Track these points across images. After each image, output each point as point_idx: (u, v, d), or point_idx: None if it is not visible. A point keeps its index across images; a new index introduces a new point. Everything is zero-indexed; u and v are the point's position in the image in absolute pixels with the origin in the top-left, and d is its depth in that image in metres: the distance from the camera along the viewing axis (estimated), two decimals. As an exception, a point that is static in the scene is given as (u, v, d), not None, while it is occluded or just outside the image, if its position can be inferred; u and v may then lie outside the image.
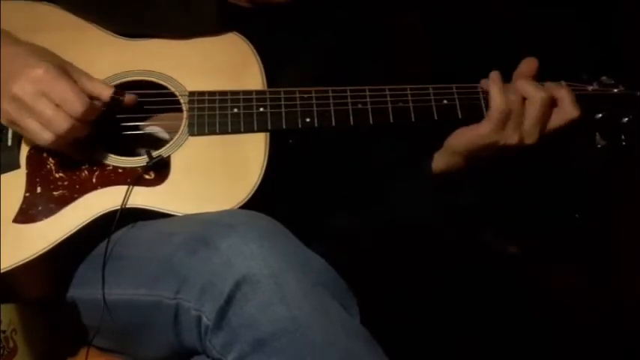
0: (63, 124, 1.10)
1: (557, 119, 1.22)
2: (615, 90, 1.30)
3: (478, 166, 1.28)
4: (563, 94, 1.22)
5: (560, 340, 1.79)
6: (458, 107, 1.24)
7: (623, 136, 1.28)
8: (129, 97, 1.18)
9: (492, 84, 1.23)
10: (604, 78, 1.31)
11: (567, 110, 1.22)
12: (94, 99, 1.14)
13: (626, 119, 1.28)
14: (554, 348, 1.78)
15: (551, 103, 1.22)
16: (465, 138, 1.24)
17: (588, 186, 1.82)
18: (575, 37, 1.72)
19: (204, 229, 1.07)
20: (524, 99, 1.21)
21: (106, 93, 1.15)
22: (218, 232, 1.05)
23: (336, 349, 0.97)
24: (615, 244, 1.90)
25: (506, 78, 1.26)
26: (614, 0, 1.81)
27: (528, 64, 1.26)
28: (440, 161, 1.29)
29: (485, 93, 1.25)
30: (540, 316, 1.80)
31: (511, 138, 1.21)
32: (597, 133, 1.28)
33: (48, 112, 1.10)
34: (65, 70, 1.13)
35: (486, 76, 1.26)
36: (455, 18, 1.79)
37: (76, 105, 1.10)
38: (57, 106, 1.10)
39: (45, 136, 1.11)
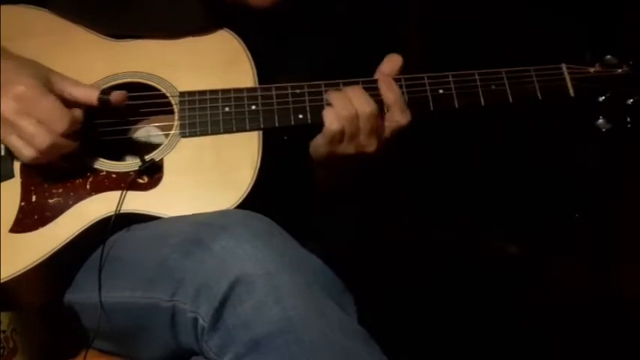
0: (45, 140, 1.10)
1: (388, 127, 1.20)
2: (619, 70, 1.26)
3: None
4: (391, 101, 1.20)
5: (560, 339, 1.78)
6: (454, 96, 1.22)
7: (628, 119, 1.24)
8: (117, 95, 1.15)
9: (330, 104, 1.19)
10: (608, 57, 1.27)
11: (395, 119, 1.20)
12: (83, 105, 1.13)
13: (632, 100, 1.24)
14: (554, 347, 1.76)
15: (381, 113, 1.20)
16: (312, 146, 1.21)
17: (590, 183, 1.79)
18: (577, 14, 1.67)
19: (198, 230, 1.07)
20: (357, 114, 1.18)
21: (93, 97, 1.14)
22: (212, 234, 1.04)
23: (333, 348, 0.96)
24: (615, 243, 1.87)
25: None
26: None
27: (391, 63, 1.23)
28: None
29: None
30: (540, 316, 1.78)
31: (349, 149, 1.18)
32: (601, 117, 1.24)
33: (30, 128, 1.10)
34: (49, 82, 1.12)
35: None
36: (455, 16, 1.77)
37: (59, 122, 1.10)
38: (39, 122, 1.10)
39: (27, 153, 1.11)
